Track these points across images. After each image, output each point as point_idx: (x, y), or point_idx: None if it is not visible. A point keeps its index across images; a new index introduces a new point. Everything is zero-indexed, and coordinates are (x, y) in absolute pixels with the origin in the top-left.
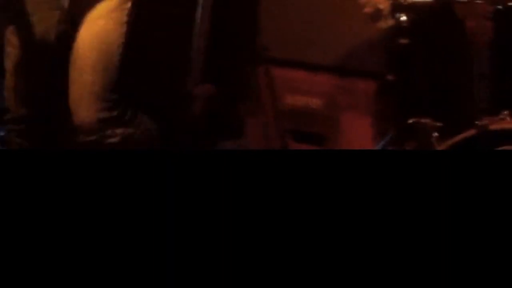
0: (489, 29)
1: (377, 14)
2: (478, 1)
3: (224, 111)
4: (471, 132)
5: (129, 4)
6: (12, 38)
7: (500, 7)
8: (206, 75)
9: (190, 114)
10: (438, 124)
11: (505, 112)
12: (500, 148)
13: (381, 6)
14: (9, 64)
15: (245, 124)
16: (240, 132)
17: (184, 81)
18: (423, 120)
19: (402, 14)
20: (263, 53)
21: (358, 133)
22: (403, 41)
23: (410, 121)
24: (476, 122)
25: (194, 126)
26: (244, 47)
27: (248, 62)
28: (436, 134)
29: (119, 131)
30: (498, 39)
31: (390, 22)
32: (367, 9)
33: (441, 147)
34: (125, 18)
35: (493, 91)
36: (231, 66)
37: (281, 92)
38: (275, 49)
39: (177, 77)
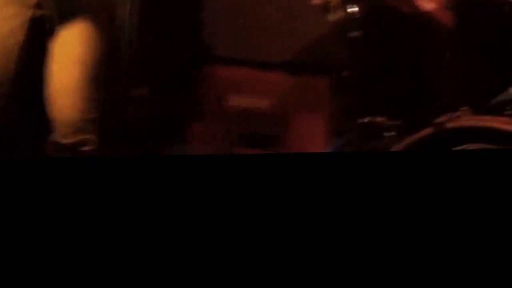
0: (449, 19)
1: (326, 6)
2: None
3: (165, 114)
4: (428, 130)
5: None
6: None
7: None
8: (143, 77)
9: (126, 119)
10: (394, 122)
11: (464, 108)
12: (458, 147)
13: None
14: None
15: (188, 128)
16: (182, 136)
17: (118, 84)
18: (378, 119)
19: (353, 5)
20: (206, 52)
21: (312, 134)
22: (355, 33)
23: (365, 119)
24: (434, 120)
25: (132, 131)
26: (185, 45)
27: (189, 62)
28: (392, 133)
29: (94, 139)
30: (457, 30)
31: (341, 14)
32: (315, 1)
33: (397, 146)
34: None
35: (452, 86)
36: (171, 66)
37: (227, 93)
38: (220, 47)
39: (110, 80)
